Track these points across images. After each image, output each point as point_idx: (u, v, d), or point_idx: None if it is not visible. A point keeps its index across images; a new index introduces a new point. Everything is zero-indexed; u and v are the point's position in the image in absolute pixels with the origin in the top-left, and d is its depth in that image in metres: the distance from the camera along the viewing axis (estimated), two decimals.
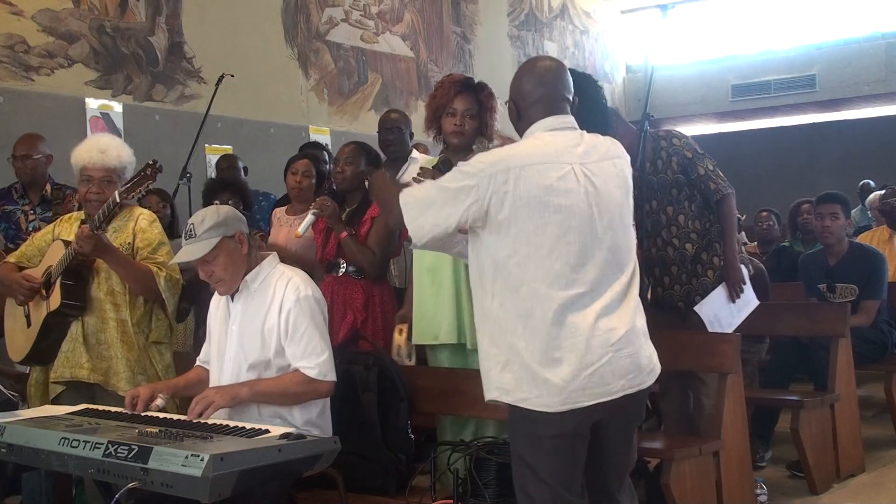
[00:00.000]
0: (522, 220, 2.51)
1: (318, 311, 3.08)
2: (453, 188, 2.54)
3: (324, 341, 3.05)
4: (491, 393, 2.58)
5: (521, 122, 2.70)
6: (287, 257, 4.31)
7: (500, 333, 2.54)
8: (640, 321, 2.61)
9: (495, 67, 9.98)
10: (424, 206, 2.57)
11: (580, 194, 2.53)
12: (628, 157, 2.73)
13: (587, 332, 2.48)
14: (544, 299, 2.48)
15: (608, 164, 2.63)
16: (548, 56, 2.82)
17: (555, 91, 2.65)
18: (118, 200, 3.43)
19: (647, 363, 2.59)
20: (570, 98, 2.69)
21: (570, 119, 2.67)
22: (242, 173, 6.00)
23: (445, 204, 2.54)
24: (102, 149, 3.60)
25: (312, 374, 3.01)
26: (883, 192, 6.99)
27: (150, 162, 3.43)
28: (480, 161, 2.57)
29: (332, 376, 3.05)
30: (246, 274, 3.10)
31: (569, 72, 2.76)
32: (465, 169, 2.57)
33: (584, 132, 2.67)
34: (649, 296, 4.48)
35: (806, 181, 10.20)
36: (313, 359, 3.01)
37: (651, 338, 2.73)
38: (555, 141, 2.60)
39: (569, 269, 2.50)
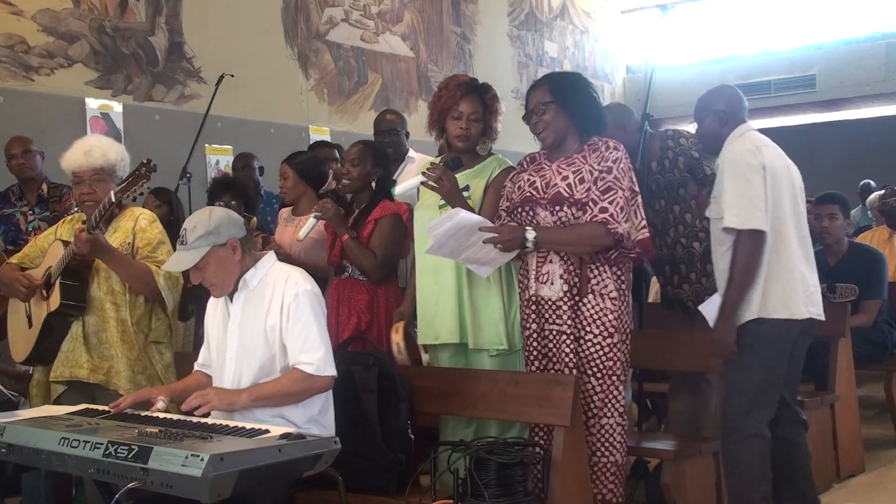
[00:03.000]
0: (770, 183, 3.50)
1: (317, 306, 3.07)
2: (749, 174, 3.48)
3: (321, 336, 3.03)
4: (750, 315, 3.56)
5: (728, 126, 3.67)
6: (294, 262, 4.31)
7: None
8: None
9: (495, 67, 9.98)
10: (748, 200, 3.46)
11: (795, 180, 3.65)
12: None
13: (804, 269, 3.59)
14: (781, 245, 3.53)
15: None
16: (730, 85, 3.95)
17: (745, 105, 3.75)
18: (114, 200, 3.44)
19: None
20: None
21: None
22: (257, 173, 5.99)
23: (755, 187, 3.47)
24: (87, 150, 3.60)
25: (310, 370, 2.99)
26: (883, 192, 6.99)
27: (145, 161, 3.45)
28: (745, 150, 3.55)
29: (330, 371, 3.03)
30: (243, 274, 3.10)
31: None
32: (745, 160, 3.52)
33: None
34: (660, 295, 4.48)
35: (806, 181, 10.16)
36: (311, 354, 3.00)
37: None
38: (763, 136, 3.67)
39: (794, 227, 3.58)
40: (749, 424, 3.54)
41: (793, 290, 3.54)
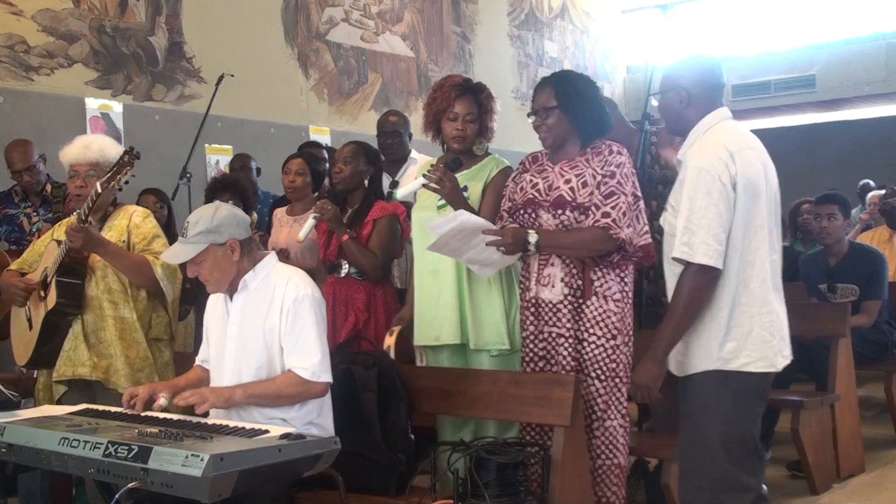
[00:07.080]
0: (743, 201, 2.83)
1: (317, 311, 3.06)
2: (714, 196, 2.79)
3: (319, 341, 3.03)
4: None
5: (692, 108, 2.97)
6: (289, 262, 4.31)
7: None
8: None
9: (495, 67, 9.98)
10: (707, 230, 2.78)
11: (772, 184, 2.94)
12: None
13: (777, 305, 2.92)
14: (752, 279, 2.87)
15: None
16: (708, 55, 3.10)
17: (720, 84, 3.01)
18: (100, 191, 3.46)
19: None
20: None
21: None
22: (255, 173, 6.00)
23: (720, 214, 2.79)
24: (86, 144, 3.67)
25: (306, 375, 3.00)
26: (883, 192, 6.99)
27: (128, 149, 3.47)
28: (718, 158, 2.82)
29: (325, 377, 3.03)
30: (242, 275, 3.10)
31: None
32: (716, 174, 2.80)
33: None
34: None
35: (806, 181, 10.20)
36: (307, 359, 3.00)
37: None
38: (742, 131, 2.94)
39: (768, 251, 2.92)
40: None
41: (771, 335, 2.87)
